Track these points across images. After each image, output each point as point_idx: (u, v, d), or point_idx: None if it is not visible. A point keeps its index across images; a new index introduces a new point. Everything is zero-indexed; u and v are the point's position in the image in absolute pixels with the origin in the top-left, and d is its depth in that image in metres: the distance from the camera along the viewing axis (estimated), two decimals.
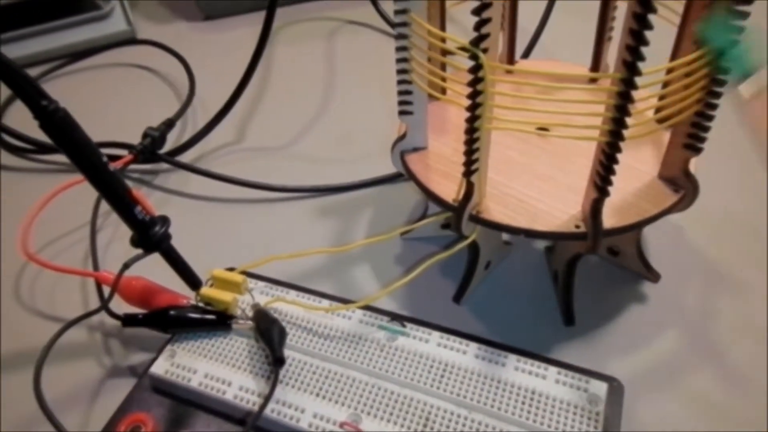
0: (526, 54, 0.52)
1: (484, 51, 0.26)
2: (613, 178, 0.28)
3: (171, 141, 0.48)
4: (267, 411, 0.29)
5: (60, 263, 0.36)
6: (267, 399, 0.28)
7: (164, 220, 0.31)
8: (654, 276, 0.36)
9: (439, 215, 0.35)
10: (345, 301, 0.34)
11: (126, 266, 0.30)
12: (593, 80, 0.39)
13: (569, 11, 0.54)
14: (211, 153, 0.48)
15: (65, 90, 0.56)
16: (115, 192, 0.29)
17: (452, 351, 0.31)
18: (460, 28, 0.45)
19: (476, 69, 0.26)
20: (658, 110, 0.29)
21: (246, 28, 0.62)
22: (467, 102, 0.28)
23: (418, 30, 0.30)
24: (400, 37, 0.31)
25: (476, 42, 0.26)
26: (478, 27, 0.25)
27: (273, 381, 0.29)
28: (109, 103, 0.54)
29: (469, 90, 0.27)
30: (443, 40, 0.29)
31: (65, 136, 0.27)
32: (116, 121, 0.52)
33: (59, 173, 0.47)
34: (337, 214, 0.43)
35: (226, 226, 0.42)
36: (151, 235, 0.30)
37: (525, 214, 0.31)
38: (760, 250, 0.38)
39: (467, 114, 0.28)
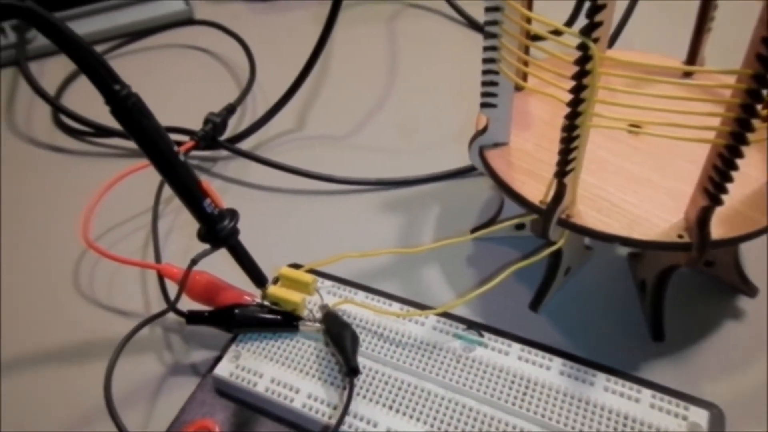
0: (610, 44, 0.48)
1: (595, 41, 0.23)
2: (729, 186, 0.25)
3: (230, 127, 0.47)
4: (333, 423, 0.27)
5: (119, 252, 0.35)
6: (343, 413, 0.26)
7: (233, 214, 0.30)
8: (752, 290, 0.33)
9: (523, 217, 0.32)
10: (416, 305, 0.32)
11: (194, 262, 0.29)
12: (687, 74, 0.36)
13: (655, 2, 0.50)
14: (271, 141, 0.47)
15: (122, 71, 0.54)
16: (185, 183, 0.28)
17: (534, 366, 0.29)
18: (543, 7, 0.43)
19: (585, 60, 0.24)
20: None
21: (306, 11, 0.60)
22: (565, 95, 0.25)
23: (511, 15, 0.27)
24: (490, 23, 0.28)
25: (588, 30, 0.23)
26: (591, 14, 0.23)
27: (348, 393, 0.27)
28: (167, 85, 0.53)
29: (569, 81, 0.24)
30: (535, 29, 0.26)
31: (136, 123, 0.26)
32: (174, 104, 0.50)
33: (119, 158, 0.47)
34: (404, 208, 0.40)
35: (287, 218, 0.41)
36: (219, 230, 0.29)
37: (621, 220, 0.29)
38: None
39: (560, 108, 0.25)
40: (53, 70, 0.54)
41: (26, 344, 0.34)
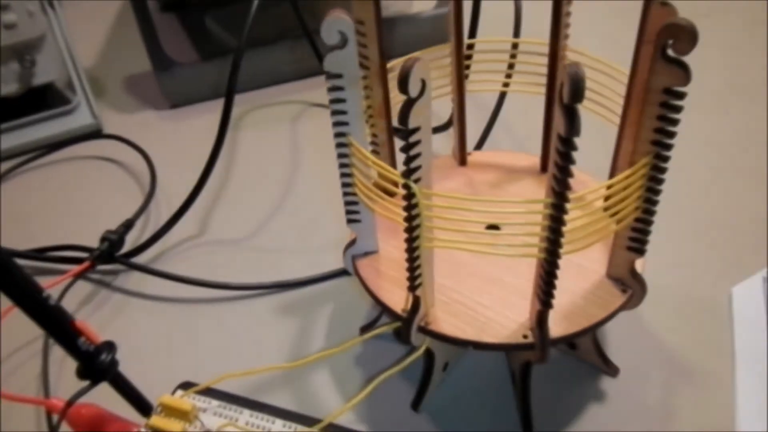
0: (478, 145, 0.53)
1: (416, 181, 0.26)
2: (556, 290, 0.28)
3: (133, 238, 0.48)
4: None
5: (11, 387, 0.35)
6: None
7: (110, 347, 0.31)
8: (612, 370, 0.36)
9: (392, 324, 0.35)
10: (301, 418, 0.33)
11: (70, 402, 0.30)
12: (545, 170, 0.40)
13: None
14: (172, 249, 0.48)
15: (30, 186, 0.56)
16: (57, 325, 0.29)
17: None
18: None
19: (409, 197, 0.26)
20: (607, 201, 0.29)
21: (213, 115, 0.63)
22: (403, 221, 0.28)
23: (356, 153, 0.30)
24: (341, 156, 0.31)
25: (407, 174, 0.26)
26: (408, 161, 0.26)
27: None
28: (72, 198, 0.55)
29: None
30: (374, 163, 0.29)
31: (4, 280, 0.27)
32: (78, 218, 0.52)
33: None
34: (299, 310, 0.42)
35: (186, 330, 0.42)
36: (97, 365, 0.30)
37: (473, 323, 0.31)
38: (721, 334, 0.38)
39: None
40: None
41: None
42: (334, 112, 0.31)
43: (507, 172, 0.41)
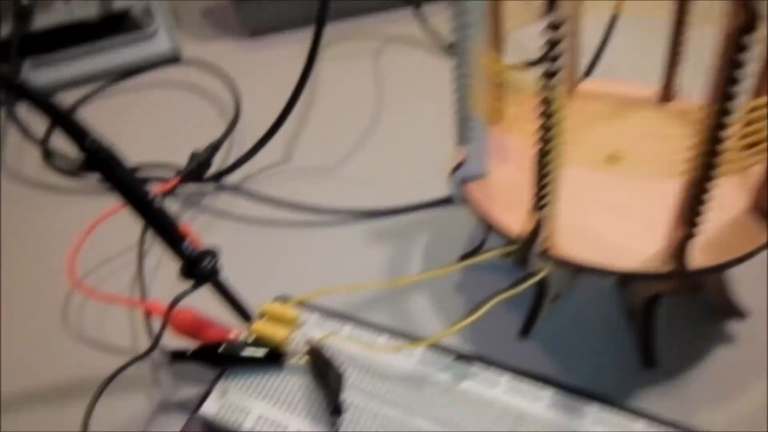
0: (587, 73, 0.49)
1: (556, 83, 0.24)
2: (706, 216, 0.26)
3: (218, 161, 0.47)
4: None
5: (107, 290, 0.35)
6: None
7: (213, 254, 0.30)
8: (741, 313, 0.33)
9: (506, 247, 0.32)
10: (404, 336, 0.32)
11: (176, 301, 0.29)
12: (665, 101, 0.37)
13: (633, 28, 0.51)
14: (258, 173, 0.47)
15: (110, 111, 0.55)
16: (162, 226, 0.28)
17: (524, 398, 0.29)
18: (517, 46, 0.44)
19: (548, 103, 0.24)
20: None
21: (293, 46, 0.61)
22: (534, 133, 0.25)
23: (477, 58, 0.28)
24: (458, 65, 0.29)
25: (548, 76, 0.23)
26: (551, 59, 0.23)
27: None
28: (155, 123, 0.54)
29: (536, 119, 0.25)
30: (504, 69, 0.27)
31: (108, 174, 0.26)
32: (162, 142, 0.51)
33: (106, 194, 0.47)
34: (392, 239, 0.41)
35: (275, 251, 0.41)
36: (200, 269, 0.29)
37: (601, 250, 0.29)
38: None
39: (532, 142, 0.26)
40: None
41: (13, 384, 0.34)
42: (456, 15, 0.28)
43: (621, 103, 0.38)
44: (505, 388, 0.29)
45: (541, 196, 0.27)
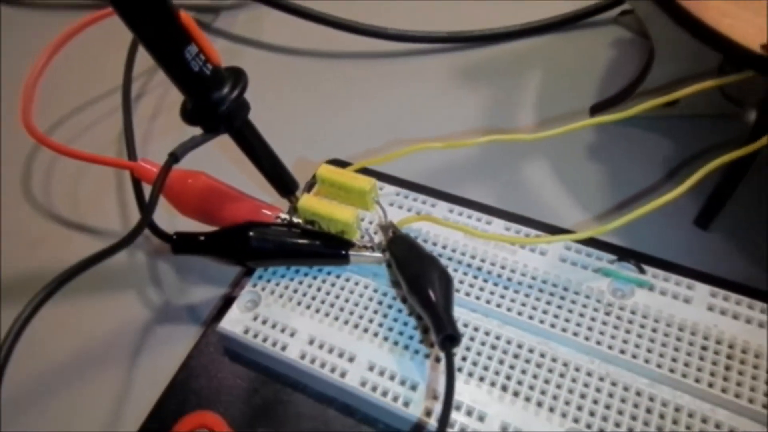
0: None
1: None
2: None
3: None
4: (422, 418, 0.17)
5: (82, 147, 0.24)
6: (447, 408, 0.15)
7: (237, 76, 0.18)
8: None
9: (703, 81, 0.20)
10: (526, 222, 0.21)
11: (174, 157, 0.17)
12: None
13: None
14: None
15: None
16: (149, 15, 0.16)
17: (737, 320, 0.18)
18: None
19: None
20: None
21: None
22: None
23: None
24: None
25: None
26: None
27: (448, 373, 0.16)
28: None
29: None
30: None
31: None
32: None
33: (76, 9, 0.34)
34: (489, 77, 0.28)
35: (319, 93, 0.29)
36: (215, 102, 0.17)
37: None
38: None
39: None
40: None
41: None
42: None
43: None
44: (702, 304, 0.18)
45: None
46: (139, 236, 0.18)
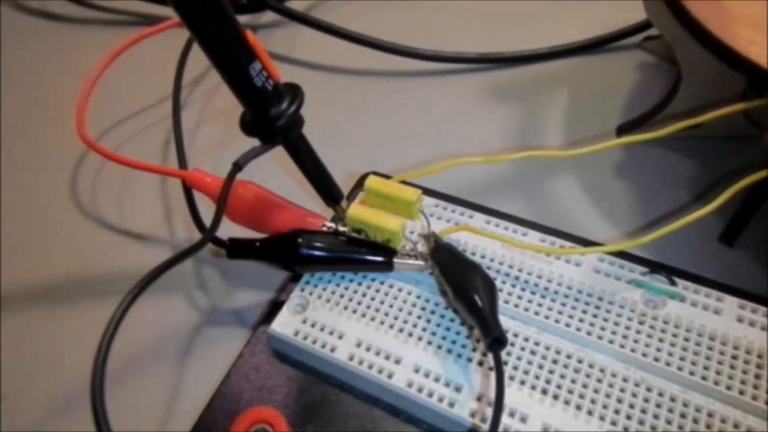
0: None
1: None
2: None
3: None
4: (467, 418, 0.17)
5: (130, 154, 0.25)
6: (499, 404, 0.16)
7: (295, 92, 0.19)
8: None
9: (723, 107, 0.21)
10: (560, 236, 0.22)
11: (238, 166, 0.18)
12: None
13: None
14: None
15: None
16: (222, 35, 0.17)
17: (764, 331, 0.19)
18: None
19: None
20: None
21: None
22: None
23: None
24: None
25: None
26: None
27: (498, 374, 0.17)
28: None
29: None
30: None
31: None
32: None
33: (129, 26, 0.36)
34: (518, 97, 0.29)
35: (358, 110, 0.30)
36: (274, 117, 0.19)
37: None
38: None
39: None
40: None
41: (13, 279, 0.25)
42: None
43: None
44: (731, 315, 0.19)
45: None
46: (209, 241, 0.19)
